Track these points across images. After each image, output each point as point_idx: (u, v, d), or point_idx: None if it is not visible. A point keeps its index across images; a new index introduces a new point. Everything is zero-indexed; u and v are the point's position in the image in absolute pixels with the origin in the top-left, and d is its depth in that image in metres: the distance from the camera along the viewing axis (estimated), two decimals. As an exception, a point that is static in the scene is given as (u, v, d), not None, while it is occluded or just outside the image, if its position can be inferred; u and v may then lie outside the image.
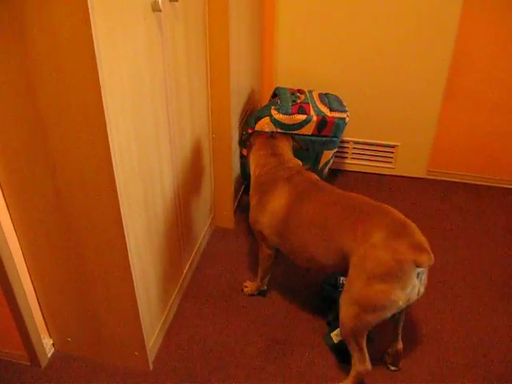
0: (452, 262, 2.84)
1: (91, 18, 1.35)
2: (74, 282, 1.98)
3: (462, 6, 2.98)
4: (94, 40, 1.38)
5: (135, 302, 1.94)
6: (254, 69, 3.21)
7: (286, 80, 3.40)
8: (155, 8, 1.77)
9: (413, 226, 2.00)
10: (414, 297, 1.94)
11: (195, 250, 2.72)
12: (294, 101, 2.93)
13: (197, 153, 2.54)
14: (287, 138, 2.57)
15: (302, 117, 2.85)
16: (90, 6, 1.33)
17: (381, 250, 1.91)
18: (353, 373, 2.08)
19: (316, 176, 2.38)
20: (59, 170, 1.66)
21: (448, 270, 2.78)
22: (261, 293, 2.60)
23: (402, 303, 1.91)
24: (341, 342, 2.25)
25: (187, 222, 2.51)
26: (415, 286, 1.91)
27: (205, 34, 2.41)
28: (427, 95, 3.29)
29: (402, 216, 2.04)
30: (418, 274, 1.91)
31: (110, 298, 1.97)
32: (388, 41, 3.17)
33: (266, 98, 3.51)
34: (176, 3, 1.99)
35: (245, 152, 2.97)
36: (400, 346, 2.22)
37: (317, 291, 2.59)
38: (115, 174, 1.62)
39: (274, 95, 3.12)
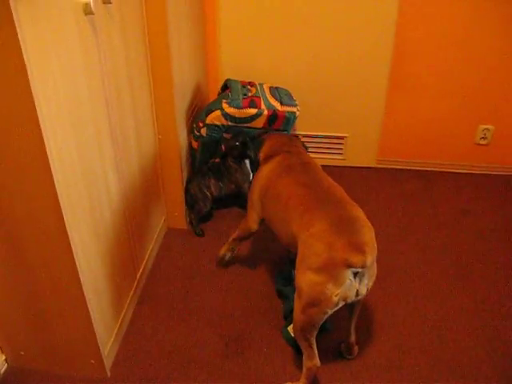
0: (406, 248, 2.89)
1: (17, 27, 1.32)
2: (22, 293, 1.93)
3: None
4: (23, 48, 1.36)
5: (87, 309, 1.91)
6: (197, 64, 3.20)
7: (231, 74, 3.39)
8: (87, 11, 1.74)
9: (362, 225, 1.95)
10: (352, 296, 1.90)
11: (148, 253, 2.70)
12: (244, 94, 2.94)
13: (143, 155, 2.51)
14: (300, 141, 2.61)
15: (253, 111, 2.86)
16: (14, 14, 1.30)
17: (317, 242, 1.91)
18: (304, 370, 2.07)
19: (312, 158, 2.39)
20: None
21: (402, 256, 2.82)
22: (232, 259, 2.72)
23: (336, 299, 1.87)
24: (298, 335, 2.25)
25: (138, 224, 2.48)
26: (352, 285, 1.86)
27: (143, 33, 2.39)
28: (372, 85, 3.34)
29: (356, 213, 2.01)
30: (357, 274, 1.86)
31: (61, 307, 1.93)
32: (331, 32, 3.21)
33: (213, 93, 3.51)
34: (110, 5, 1.97)
35: (195, 145, 2.97)
36: (352, 339, 2.23)
37: (272, 286, 2.60)
38: (55, 181, 1.59)
39: (225, 87, 3.11)
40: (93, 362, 2.10)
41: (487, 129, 3.47)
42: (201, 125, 2.90)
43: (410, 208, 3.24)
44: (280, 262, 2.72)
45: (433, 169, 3.66)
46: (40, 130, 1.49)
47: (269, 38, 3.28)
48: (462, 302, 2.53)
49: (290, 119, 2.90)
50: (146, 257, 2.67)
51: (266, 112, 2.86)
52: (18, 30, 1.33)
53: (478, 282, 2.65)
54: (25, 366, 2.19)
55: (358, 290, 1.89)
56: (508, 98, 3.35)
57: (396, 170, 3.66)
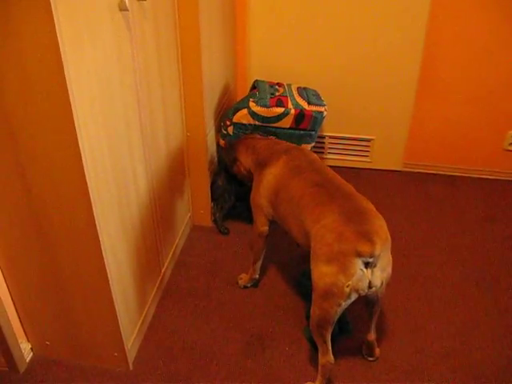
0: (430, 253, 2.87)
1: (55, 21, 1.34)
2: (50, 285, 1.96)
3: (432, 1, 3.01)
4: (60, 43, 1.38)
5: (112, 302, 1.93)
6: (227, 63, 3.21)
7: (260, 75, 3.40)
8: (122, 7, 1.76)
9: (372, 215, 1.97)
10: (365, 288, 1.88)
11: (173, 249, 2.71)
12: (272, 93, 2.94)
13: (171, 151, 2.53)
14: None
15: (280, 110, 2.85)
16: (53, 8, 1.32)
17: (328, 232, 1.92)
18: (319, 368, 2.07)
19: (314, 154, 2.40)
20: (29, 173, 1.65)
21: (426, 261, 2.80)
22: (254, 284, 2.62)
23: (348, 290, 1.85)
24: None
25: (164, 221, 2.50)
26: (364, 275, 1.85)
27: (175, 31, 2.41)
28: (401, 88, 3.32)
29: (367, 205, 2.03)
30: (368, 264, 1.85)
31: (87, 299, 1.96)
32: (360, 35, 3.19)
33: (241, 93, 3.52)
34: (144, 2, 1.99)
35: (222, 143, 2.98)
36: (372, 337, 2.21)
37: (295, 285, 2.60)
38: (86, 174, 1.61)
39: (253, 88, 3.12)
40: (116, 354, 2.13)
41: (516, 135, 3.43)
42: (228, 123, 2.91)
43: (435, 213, 3.22)
44: (303, 262, 2.71)
45: (459, 174, 3.63)
46: (73, 123, 1.51)
47: (298, 38, 3.27)
48: (485, 308, 2.50)
49: (317, 119, 2.90)
50: (171, 253, 2.68)
51: (292, 111, 2.85)
52: (56, 24, 1.35)
53: (503, 289, 2.62)
54: (50, 356, 2.22)
55: (370, 282, 1.87)
56: (539, 104, 3.31)
57: (422, 173, 3.63)
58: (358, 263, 1.83)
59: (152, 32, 2.11)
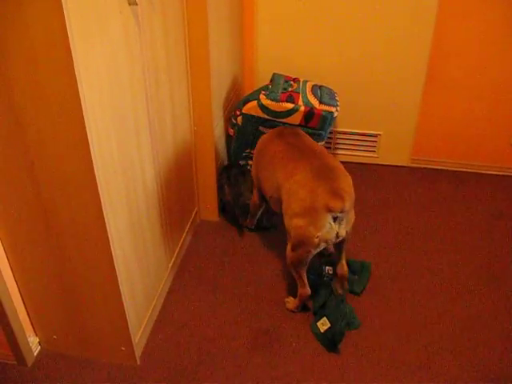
0: (438, 248, 2.86)
1: (65, 13, 1.34)
2: (58, 279, 1.97)
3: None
4: (69, 36, 1.38)
5: (120, 296, 1.94)
6: (235, 58, 3.20)
7: (268, 69, 3.39)
8: (131, 1, 1.76)
9: (340, 173, 2.17)
10: (332, 238, 2.12)
11: (180, 243, 2.72)
12: (285, 88, 2.93)
13: (178, 145, 2.53)
14: None
15: (290, 105, 2.84)
16: (63, 2, 1.32)
17: (300, 188, 2.13)
18: (298, 296, 2.37)
19: (304, 133, 2.59)
20: (37, 166, 1.65)
21: (433, 256, 2.80)
22: (251, 229, 2.94)
23: (317, 241, 2.10)
24: (327, 331, 2.26)
25: (171, 215, 2.50)
26: (332, 228, 2.08)
27: (183, 25, 2.40)
28: (409, 84, 3.31)
29: (334, 163, 2.24)
30: (336, 218, 2.07)
31: (95, 293, 1.97)
32: (369, 31, 3.18)
33: (248, 88, 3.51)
34: (153, -4, 1.98)
35: (231, 132, 2.98)
36: (342, 270, 2.40)
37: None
38: (95, 168, 1.61)
39: (271, 81, 3.10)
40: (123, 349, 2.13)
41: (524, 131, 3.42)
42: (237, 113, 2.91)
43: (442, 208, 3.21)
44: (311, 259, 2.70)
45: (467, 170, 3.62)
46: (82, 117, 1.51)
47: (306, 32, 3.26)
48: (493, 305, 2.49)
49: (326, 118, 2.88)
50: (178, 247, 2.69)
51: (302, 108, 2.84)
52: (66, 18, 1.34)
53: (510, 285, 2.61)
54: (57, 350, 2.23)
55: (337, 233, 2.11)
56: (547, 100, 3.29)
57: (430, 169, 3.62)
58: (328, 217, 2.06)
59: (160, 26, 2.11)
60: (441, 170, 3.61)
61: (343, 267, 2.40)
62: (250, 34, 3.35)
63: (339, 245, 2.31)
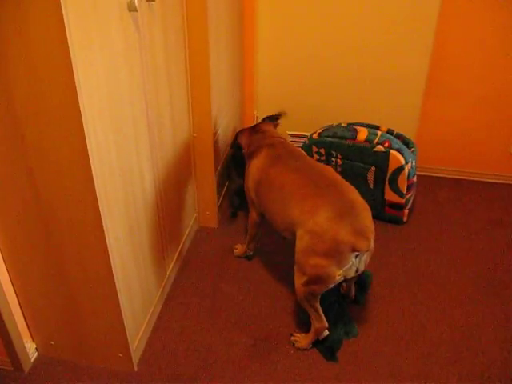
0: (436, 256, 2.85)
1: (65, 21, 1.34)
2: (56, 285, 1.96)
3: (441, 2, 3.00)
4: (69, 43, 1.38)
5: (117, 302, 1.93)
6: (234, 64, 3.20)
7: (267, 74, 3.40)
8: (131, 8, 1.76)
9: (361, 208, 2.10)
10: (352, 274, 2.09)
11: (179, 250, 2.71)
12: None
13: (178, 152, 2.53)
14: (268, 122, 2.78)
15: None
16: (63, 8, 1.32)
17: (323, 229, 2.03)
18: (312, 329, 2.24)
19: (295, 146, 2.54)
20: (37, 172, 1.65)
21: (432, 264, 2.79)
22: (247, 257, 2.80)
23: (338, 278, 2.06)
24: (326, 339, 2.26)
25: (170, 221, 2.50)
26: (353, 265, 2.05)
27: (183, 31, 2.41)
28: (408, 92, 3.31)
29: (354, 196, 2.15)
30: (357, 256, 2.04)
31: (92, 299, 1.96)
32: (369, 40, 3.19)
33: (248, 94, 3.51)
34: (153, 3, 1.98)
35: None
36: (352, 294, 2.49)
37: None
38: (94, 175, 1.61)
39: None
40: (121, 355, 2.13)
41: (524, 139, 3.42)
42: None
43: (441, 216, 3.21)
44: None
45: (466, 177, 3.62)
46: (81, 124, 1.51)
47: (306, 46, 3.27)
48: (492, 313, 2.49)
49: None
50: (177, 253, 2.68)
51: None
52: (66, 24, 1.34)
53: (509, 293, 2.60)
54: (54, 356, 2.22)
55: (358, 269, 2.09)
56: (546, 108, 3.30)
57: (429, 177, 3.62)
58: (352, 257, 2.02)
59: (160, 33, 2.11)
60: (440, 177, 3.61)
61: (351, 291, 2.47)
62: (251, 38, 3.35)
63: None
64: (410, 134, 3.42)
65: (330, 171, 2.29)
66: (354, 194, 2.17)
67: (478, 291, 2.62)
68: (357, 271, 2.09)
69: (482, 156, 3.54)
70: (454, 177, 3.62)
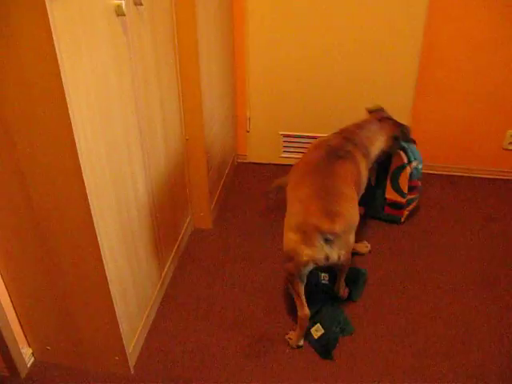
0: (430, 252, 2.87)
1: (52, 27, 1.35)
2: (50, 290, 1.97)
3: (429, 2, 3.02)
4: (57, 49, 1.39)
5: (112, 307, 1.94)
6: (226, 66, 3.21)
7: (258, 75, 3.41)
8: (119, 12, 1.76)
9: (343, 198, 2.16)
10: (322, 260, 2.08)
11: (173, 252, 2.72)
12: None
13: (170, 155, 2.53)
14: (392, 126, 2.76)
15: None
16: (50, 14, 1.33)
17: (299, 203, 2.14)
18: (298, 320, 2.27)
19: (341, 145, 2.48)
20: (28, 178, 1.65)
21: (427, 260, 2.80)
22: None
23: (306, 259, 2.07)
24: (321, 338, 2.27)
25: (164, 224, 2.50)
26: (322, 249, 2.05)
27: (173, 34, 2.41)
28: (400, 89, 3.32)
29: (343, 187, 2.21)
30: (327, 240, 2.04)
31: (87, 304, 1.97)
32: (359, 38, 3.19)
33: (240, 95, 3.52)
34: (141, 7, 1.99)
35: None
36: (340, 292, 2.48)
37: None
38: (85, 181, 1.62)
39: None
40: (117, 358, 2.13)
41: (516, 134, 3.44)
42: None
43: (435, 212, 3.22)
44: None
45: (459, 173, 3.63)
46: (71, 130, 1.52)
47: (296, 43, 3.28)
48: (486, 308, 2.50)
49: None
50: (171, 256, 2.69)
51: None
52: (53, 29, 1.35)
53: (503, 288, 2.62)
54: (51, 361, 2.23)
55: (328, 256, 2.08)
56: (537, 103, 3.31)
57: (422, 173, 3.62)
58: (318, 237, 2.03)
59: (149, 36, 2.11)
60: (433, 174, 3.61)
61: (339, 289, 2.46)
62: (241, 40, 3.36)
63: (338, 270, 2.37)
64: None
65: (343, 171, 2.31)
66: (346, 188, 2.21)
67: (472, 286, 2.63)
68: (328, 259, 2.09)
69: (475, 152, 3.55)
70: (447, 173, 3.63)
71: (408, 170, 2.90)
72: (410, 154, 2.89)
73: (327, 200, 2.10)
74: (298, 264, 2.10)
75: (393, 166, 2.92)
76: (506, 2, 3.00)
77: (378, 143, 2.67)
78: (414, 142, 2.89)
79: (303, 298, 2.21)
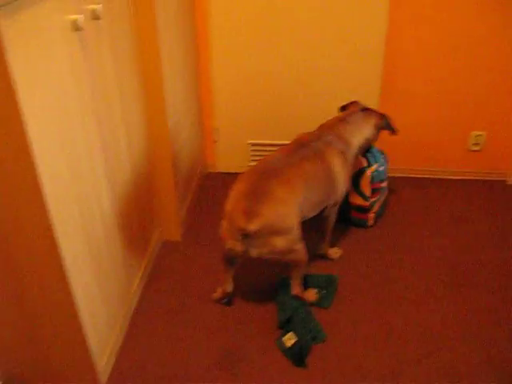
0: (400, 256, 2.89)
1: (5, 44, 1.33)
2: (16, 311, 1.92)
3: (389, 8, 3.06)
4: (10, 67, 1.37)
5: (80, 326, 1.91)
6: (190, 74, 3.20)
7: (224, 85, 3.41)
8: (76, 27, 1.75)
9: (272, 201, 2.19)
10: (239, 253, 2.22)
11: (144, 266, 2.69)
12: None
13: (136, 168, 2.52)
14: (377, 116, 2.84)
15: None
16: (2, 31, 1.31)
17: (231, 197, 2.27)
18: (220, 290, 2.56)
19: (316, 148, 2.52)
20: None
21: (396, 264, 2.82)
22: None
23: (228, 247, 2.24)
24: (293, 346, 2.26)
25: (131, 238, 2.48)
26: (240, 243, 2.17)
27: (134, 47, 2.40)
28: (364, 95, 3.32)
29: (276, 191, 2.22)
30: (245, 236, 2.14)
31: (54, 324, 1.93)
32: (322, 45, 3.22)
33: (207, 105, 3.51)
34: (100, 21, 1.97)
35: None
36: (294, 291, 2.47)
37: (267, 297, 2.59)
38: (47, 199, 1.60)
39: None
40: (88, 377, 2.10)
41: (480, 135, 3.48)
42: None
43: (403, 215, 3.25)
44: (280, 273, 2.70)
45: (426, 176, 3.67)
46: (30, 149, 1.50)
47: (260, 47, 3.30)
48: (457, 309, 2.53)
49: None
50: (142, 269, 2.66)
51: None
52: (5, 47, 1.33)
53: (473, 289, 2.65)
54: (18, 382, 2.18)
55: (247, 251, 2.20)
56: (499, 103, 3.36)
57: (390, 178, 3.63)
58: (236, 231, 2.16)
59: (109, 50, 2.10)
60: (401, 177, 3.65)
61: (293, 289, 2.47)
62: (205, 52, 3.36)
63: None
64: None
65: (292, 172, 2.33)
66: (279, 188, 2.24)
67: (443, 288, 2.66)
68: (247, 253, 2.21)
69: (440, 154, 3.60)
70: (416, 176, 3.67)
71: (368, 173, 2.92)
72: (370, 157, 2.92)
73: (251, 199, 2.18)
74: (226, 249, 2.30)
75: (354, 171, 2.95)
76: (465, 9, 3.06)
77: (362, 133, 2.75)
78: (397, 130, 2.92)
79: (228, 275, 2.51)
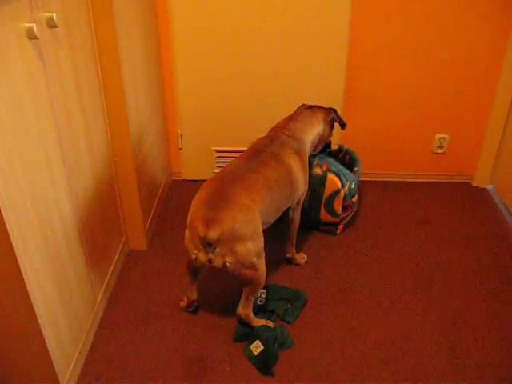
0: (366, 260, 2.91)
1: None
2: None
3: (351, 11, 3.08)
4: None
5: (41, 335, 1.86)
6: (152, 84, 3.18)
7: (187, 92, 3.39)
8: (31, 36, 1.71)
9: (233, 208, 2.16)
10: (205, 261, 2.17)
11: (109, 276, 2.66)
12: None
13: (99, 178, 2.48)
14: (324, 111, 2.86)
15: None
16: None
17: (192, 206, 2.26)
18: (185, 298, 2.56)
19: (273, 152, 2.53)
20: None
21: (363, 267, 2.84)
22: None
23: (194, 256, 2.20)
24: (261, 354, 2.25)
25: (95, 248, 2.44)
26: (204, 252, 2.14)
27: (94, 56, 2.37)
28: (328, 101, 3.34)
29: (238, 198, 2.21)
30: (210, 245, 2.11)
31: (15, 338, 1.89)
32: (283, 50, 3.24)
33: (171, 113, 3.50)
34: (57, 29, 1.94)
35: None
36: (240, 311, 2.41)
37: (234, 304, 2.58)
38: (3, 212, 1.57)
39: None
40: (51, 390, 2.06)
41: (443, 138, 3.53)
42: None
43: (369, 219, 3.27)
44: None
45: (391, 179, 3.71)
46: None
47: (225, 54, 3.29)
48: (422, 311, 2.55)
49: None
50: (106, 280, 2.62)
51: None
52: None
53: (437, 290, 2.68)
54: (-19, 400, 2.14)
55: (211, 259, 2.15)
56: (462, 107, 3.41)
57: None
58: (197, 240, 2.13)
59: (68, 59, 2.06)
60: (365, 181, 3.67)
61: (240, 308, 2.40)
62: (168, 57, 3.34)
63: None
64: (333, 143, 3.48)
65: (253, 179, 2.33)
66: (240, 195, 2.23)
67: (408, 291, 2.68)
68: (211, 262, 2.16)
69: (405, 157, 3.64)
70: (379, 179, 3.70)
71: (342, 193, 2.93)
72: (343, 177, 2.93)
73: (211, 207, 2.15)
74: (192, 259, 2.25)
75: (327, 192, 2.95)
76: (429, 12, 3.10)
77: (313, 129, 2.77)
78: (345, 124, 2.96)
79: (192, 285, 2.51)
